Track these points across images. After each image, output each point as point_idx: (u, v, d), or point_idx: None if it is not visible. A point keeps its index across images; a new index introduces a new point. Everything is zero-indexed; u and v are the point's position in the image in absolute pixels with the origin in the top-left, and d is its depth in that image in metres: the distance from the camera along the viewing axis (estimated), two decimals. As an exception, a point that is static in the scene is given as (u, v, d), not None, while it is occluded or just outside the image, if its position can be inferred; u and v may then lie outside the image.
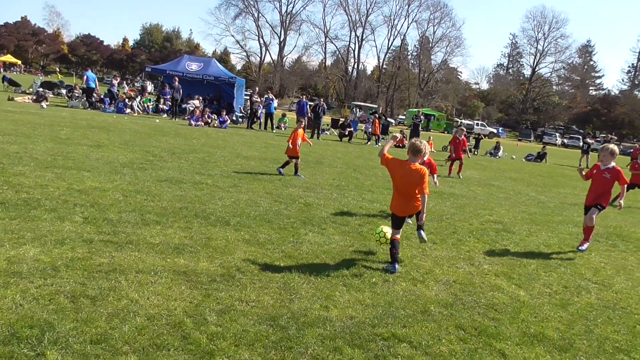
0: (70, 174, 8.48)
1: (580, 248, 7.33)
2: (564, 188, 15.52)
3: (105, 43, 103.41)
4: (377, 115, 27.09)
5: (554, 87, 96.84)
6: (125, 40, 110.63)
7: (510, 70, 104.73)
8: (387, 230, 5.96)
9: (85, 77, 25.50)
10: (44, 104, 21.14)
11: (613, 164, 7.24)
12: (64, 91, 31.99)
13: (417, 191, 5.61)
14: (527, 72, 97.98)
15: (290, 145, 11.42)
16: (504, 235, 7.87)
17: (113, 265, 4.72)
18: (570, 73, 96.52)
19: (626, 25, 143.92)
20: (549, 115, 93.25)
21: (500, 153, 28.15)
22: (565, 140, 70.69)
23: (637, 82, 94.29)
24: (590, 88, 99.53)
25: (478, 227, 8.23)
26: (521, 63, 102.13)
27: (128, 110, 24.94)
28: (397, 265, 5.55)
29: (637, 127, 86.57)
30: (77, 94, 27.10)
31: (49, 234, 5.36)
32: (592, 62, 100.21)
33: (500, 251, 6.91)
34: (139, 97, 28.04)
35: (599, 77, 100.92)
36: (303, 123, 13.03)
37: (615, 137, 59.53)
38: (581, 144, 37.40)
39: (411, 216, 6.18)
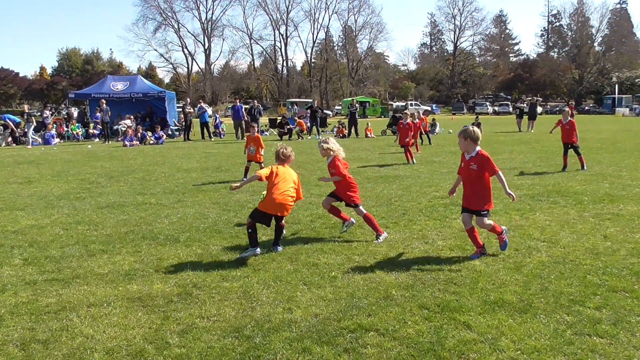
0: (2, 216, 8.00)
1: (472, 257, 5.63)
2: (501, 154, 16.13)
3: (21, 74, 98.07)
4: (312, 110, 27.18)
5: (477, 58, 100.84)
6: (42, 68, 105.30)
7: (434, 48, 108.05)
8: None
9: (7, 120, 24.42)
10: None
11: (478, 148, 5.69)
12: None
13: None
14: (450, 47, 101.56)
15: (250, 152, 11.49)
16: (452, 209, 8.08)
17: (62, 303, 4.48)
18: (490, 43, 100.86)
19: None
20: (477, 86, 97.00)
21: (437, 129, 28.92)
22: (496, 108, 73.73)
23: (551, 44, 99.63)
24: (510, 55, 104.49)
25: (427, 205, 8.42)
26: (443, 40, 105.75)
27: (56, 141, 23.80)
28: None
29: (558, 86, 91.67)
30: (-1, 132, 25.58)
31: (-15, 282, 5.02)
32: (507, 31, 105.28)
33: (451, 225, 7.09)
34: (67, 125, 26.84)
35: (516, 43, 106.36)
36: (256, 128, 12.44)
37: (541, 99, 62.65)
38: (511, 109, 39.18)
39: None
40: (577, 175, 11.31)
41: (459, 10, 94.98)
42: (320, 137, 25.01)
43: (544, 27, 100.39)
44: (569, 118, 12.39)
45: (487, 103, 77.10)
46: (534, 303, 4.34)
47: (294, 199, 6.00)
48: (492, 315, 4.10)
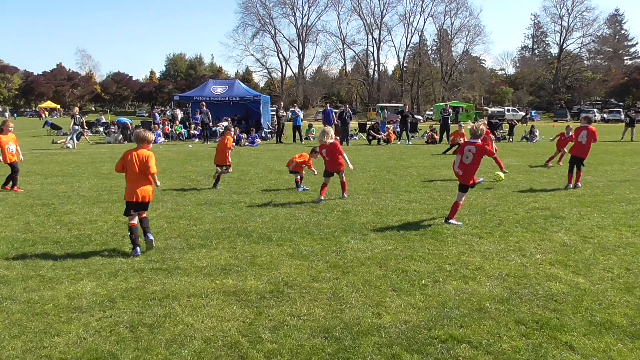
0: (115, 207, 8.71)
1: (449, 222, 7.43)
2: (611, 165, 14.95)
3: (134, 78, 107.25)
4: (402, 114, 26.83)
5: (586, 62, 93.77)
6: (152, 72, 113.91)
7: (536, 51, 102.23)
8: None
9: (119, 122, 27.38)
10: (69, 144, 21.66)
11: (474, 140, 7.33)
12: (101, 129, 33.08)
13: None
14: (555, 50, 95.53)
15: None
16: (553, 221, 7.62)
17: (165, 291, 4.80)
18: (601, 45, 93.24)
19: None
20: (584, 91, 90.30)
21: (536, 137, 27.40)
22: (605, 115, 68.26)
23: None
24: (625, 58, 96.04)
25: (524, 216, 8.00)
26: (547, 42, 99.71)
27: (161, 140, 25.56)
28: None
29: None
30: (113, 130, 27.95)
31: (102, 267, 5.52)
32: (623, 31, 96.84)
33: (552, 238, 6.68)
34: (172, 125, 28.73)
35: (633, 45, 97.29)
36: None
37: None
38: (622, 117, 36.13)
39: None
40: (701, 191, 10.17)
41: (567, 10, 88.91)
42: (410, 143, 24.65)
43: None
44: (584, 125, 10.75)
45: (595, 110, 71.62)
46: (648, 328, 3.96)
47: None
48: (599, 338, 3.81)
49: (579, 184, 10.66)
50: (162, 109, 41.12)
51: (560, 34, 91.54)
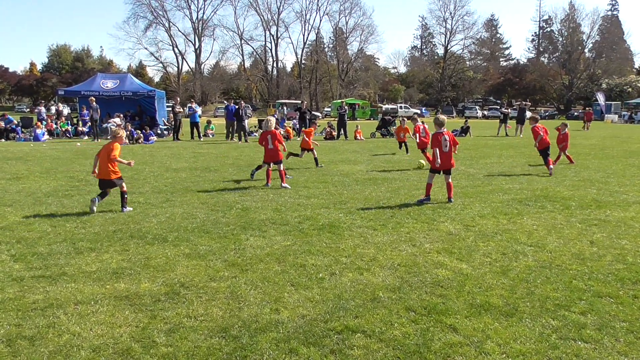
0: (-13, 212, 7.91)
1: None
2: (490, 158, 16.27)
3: (10, 70, 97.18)
4: (301, 111, 27.18)
5: (467, 62, 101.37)
6: (32, 64, 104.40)
7: (425, 51, 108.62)
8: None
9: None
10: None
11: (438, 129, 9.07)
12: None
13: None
14: (440, 51, 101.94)
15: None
16: (439, 212, 8.15)
17: (49, 300, 4.46)
18: (480, 47, 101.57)
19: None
20: (467, 90, 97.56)
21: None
22: (485, 112, 74.19)
23: (541, 50, 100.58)
24: (501, 59, 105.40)
25: (415, 208, 8.48)
26: (434, 43, 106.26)
27: (46, 137, 23.61)
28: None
29: (547, 91, 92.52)
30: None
31: (-29, 279, 4.99)
32: (498, 35, 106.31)
33: (439, 228, 7.15)
34: (56, 122, 26.61)
35: (507, 48, 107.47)
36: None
37: (530, 103, 63.09)
38: (498, 114, 39.63)
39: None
40: (565, 181, 11.45)
41: (451, 13, 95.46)
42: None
43: (535, 32, 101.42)
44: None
45: (477, 107, 77.60)
46: (520, 307, 4.40)
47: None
48: (478, 319, 4.16)
49: (552, 166, 12.57)
50: (47, 104, 37.85)
51: (445, 36, 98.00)
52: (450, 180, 9.05)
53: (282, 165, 10.63)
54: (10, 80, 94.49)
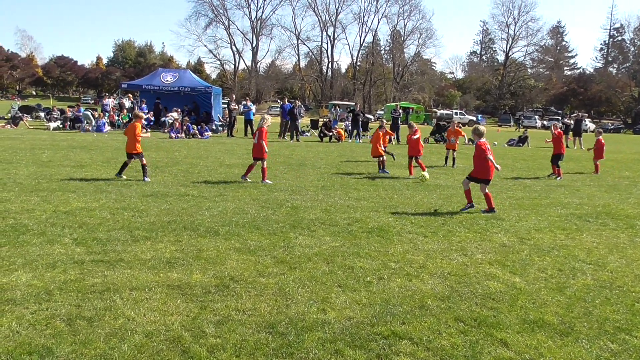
0: (55, 196, 8.37)
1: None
2: (549, 170, 15.68)
3: (79, 63, 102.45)
4: (354, 113, 27.11)
5: (529, 70, 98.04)
6: (98, 58, 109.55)
7: (484, 57, 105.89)
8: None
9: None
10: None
11: (479, 140, 8.70)
12: (42, 114, 31.52)
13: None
14: (501, 57, 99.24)
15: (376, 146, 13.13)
16: (493, 222, 7.93)
17: (106, 284, 4.66)
18: (544, 55, 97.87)
19: (595, 3, 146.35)
20: (527, 98, 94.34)
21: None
22: (545, 122, 71.52)
23: (610, 59, 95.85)
24: (565, 68, 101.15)
25: (467, 217, 8.28)
26: (494, 49, 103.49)
27: (107, 128, 24.70)
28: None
29: (614, 103, 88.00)
30: (55, 116, 26.72)
31: (39, 258, 5.28)
32: (564, 43, 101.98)
33: (492, 239, 6.95)
34: (118, 114, 27.78)
35: (573, 56, 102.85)
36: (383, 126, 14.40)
37: (586, 114, 60.46)
38: (560, 124, 38.19)
39: None
40: (630, 198, 10.88)
41: (514, 19, 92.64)
42: (360, 142, 24.92)
43: (604, 41, 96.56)
44: (558, 130, 14.51)
45: (536, 117, 74.94)
46: (576, 327, 4.21)
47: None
48: (531, 335, 4.01)
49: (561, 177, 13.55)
50: (112, 96, 39.57)
51: (507, 42, 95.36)
52: (487, 190, 8.71)
53: (264, 162, 10.84)
54: (78, 72, 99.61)
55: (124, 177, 10.55)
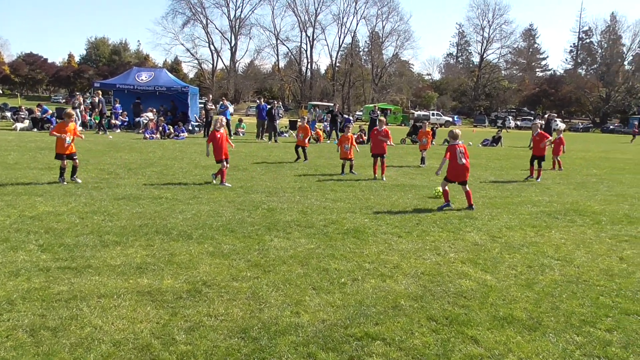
0: (21, 200, 8.14)
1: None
2: (521, 169, 15.93)
3: (49, 61, 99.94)
4: (332, 114, 27.13)
5: (503, 71, 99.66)
6: (70, 56, 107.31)
7: (460, 59, 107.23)
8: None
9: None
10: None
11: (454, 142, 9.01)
12: (8, 114, 30.69)
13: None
14: (476, 59, 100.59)
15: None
16: (466, 221, 8.01)
17: (73, 292, 4.54)
18: (517, 57, 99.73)
19: (565, 7, 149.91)
20: (501, 99, 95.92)
21: (457, 140, 28.68)
22: (518, 123, 72.79)
23: (579, 61, 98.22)
24: (537, 70, 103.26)
25: (441, 216, 8.35)
26: (469, 51, 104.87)
27: (79, 129, 24.21)
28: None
29: (583, 104, 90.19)
30: (23, 116, 26.06)
31: (2, 265, 5.12)
32: (536, 45, 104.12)
33: (465, 238, 7.02)
34: (91, 114, 27.22)
35: (544, 58, 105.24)
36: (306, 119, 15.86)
37: (555, 114, 61.72)
38: (531, 125, 39.05)
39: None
40: (597, 195, 11.12)
41: (489, 22, 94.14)
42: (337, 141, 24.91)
43: (574, 44, 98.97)
44: (539, 130, 13.79)
45: (510, 117, 76.22)
46: (544, 321, 4.28)
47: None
48: (501, 331, 4.06)
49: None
50: (84, 96, 38.73)
51: (482, 44, 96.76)
52: (468, 188, 9.01)
53: (224, 163, 10.78)
54: (49, 70, 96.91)
55: (78, 180, 10.15)
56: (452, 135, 9.19)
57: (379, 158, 12.65)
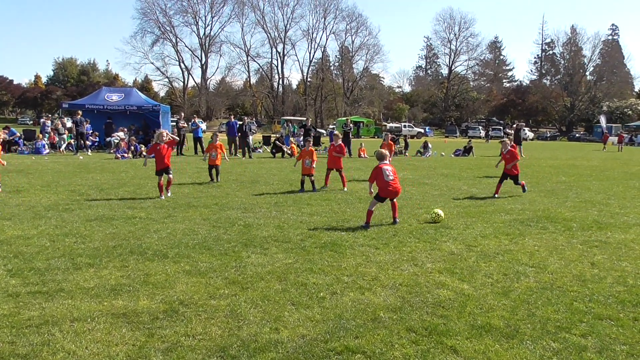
0: (-13, 225, 7.89)
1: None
2: (493, 178, 16.21)
3: (15, 82, 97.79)
4: (305, 128, 27.24)
5: (471, 83, 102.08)
6: (37, 77, 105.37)
7: (429, 71, 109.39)
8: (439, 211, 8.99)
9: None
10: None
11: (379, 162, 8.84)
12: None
13: None
14: (445, 71, 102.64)
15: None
16: (442, 231, 8.10)
17: (44, 317, 4.40)
18: (484, 68, 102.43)
19: (527, 19, 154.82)
20: (470, 110, 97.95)
21: (429, 152, 29.10)
22: (490, 132, 74.22)
23: (544, 72, 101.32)
24: (504, 81, 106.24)
25: (417, 227, 8.43)
26: (438, 63, 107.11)
27: (47, 150, 23.70)
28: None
29: (549, 113, 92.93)
30: (-12, 138, 25.36)
31: (-32, 294, 4.94)
32: (502, 57, 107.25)
33: (441, 248, 7.09)
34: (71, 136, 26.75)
35: (510, 69, 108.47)
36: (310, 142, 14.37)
37: (524, 124, 62.98)
38: (502, 134, 39.91)
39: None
40: (567, 202, 11.39)
41: (455, 35, 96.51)
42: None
43: (538, 55, 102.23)
44: (509, 147, 12.55)
45: (480, 127, 77.78)
46: (521, 329, 4.34)
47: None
48: (479, 340, 4.09)
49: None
50: (52, 117, 37.99)
51: (449, 56, 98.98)
52: (395, 200, 8.87)
53: (170, 176, 11.22)
54: (14, 92, 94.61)
55: None
56: (378, 155, 8.97)
57: (332, 170, 13.15)
